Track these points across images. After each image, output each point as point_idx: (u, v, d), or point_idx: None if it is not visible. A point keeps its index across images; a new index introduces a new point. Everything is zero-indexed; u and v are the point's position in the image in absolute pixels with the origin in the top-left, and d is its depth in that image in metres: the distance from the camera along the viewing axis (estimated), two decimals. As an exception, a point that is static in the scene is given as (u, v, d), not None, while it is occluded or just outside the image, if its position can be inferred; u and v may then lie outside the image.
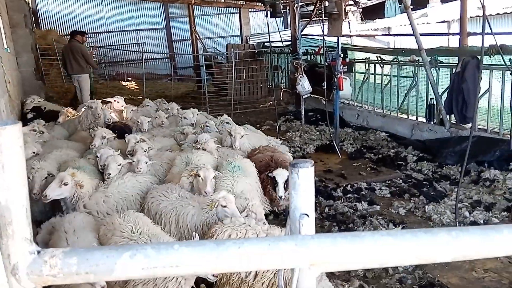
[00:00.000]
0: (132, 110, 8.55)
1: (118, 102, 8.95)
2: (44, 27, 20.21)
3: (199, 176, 4.48)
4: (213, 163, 5.32)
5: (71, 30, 12.49)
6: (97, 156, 5.34)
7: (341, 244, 1.00)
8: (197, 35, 17.22)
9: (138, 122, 7.40)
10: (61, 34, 19.90)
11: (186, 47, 21.97)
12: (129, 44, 21.57)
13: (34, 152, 5.58)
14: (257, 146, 6.20)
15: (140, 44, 20.93)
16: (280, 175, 4.81)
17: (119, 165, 5.03)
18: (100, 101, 8.00)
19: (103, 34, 21.38)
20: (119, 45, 21.72)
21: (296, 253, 0.99)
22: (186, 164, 5.11)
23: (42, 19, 20.55)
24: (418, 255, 1.01)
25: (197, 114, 7.99)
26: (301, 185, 1.22)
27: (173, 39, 22.67)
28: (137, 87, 16.69)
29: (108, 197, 4.52)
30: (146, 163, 5.08)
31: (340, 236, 1.02)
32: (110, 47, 20.17)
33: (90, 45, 19.87)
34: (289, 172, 1.27)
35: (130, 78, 18.31)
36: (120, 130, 6.94)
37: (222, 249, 0.98)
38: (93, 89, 12.41)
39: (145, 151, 5.52)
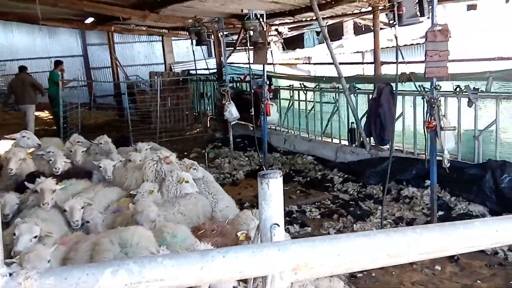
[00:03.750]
0: (83, 152, 6.54)
1: (28, 138, 6.84)
2: None
3: None
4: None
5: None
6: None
7: (320, 246, 1.04)
8: (117, 63, 16.84)
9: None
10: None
11: (106, 75, 21.35)
12: (42, 72, 20.51)
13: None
14: (200, 222, 4.49)
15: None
16: None
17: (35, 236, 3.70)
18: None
19: (14, 62, 20.15)
20: (31, 73, 20.53)
21: (280, 257, 1.01)
22: (121, 247, 3.59)
23: None
24: (390, 253, 1.08)
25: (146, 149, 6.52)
26: (272, 196, 1.24)
27: (91, 66, 21.95)
28: (51, 117, 15.79)
29: None
30: None
31: (318, 240, 1.06)
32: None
33: None
34: (259, 183, 1.29)
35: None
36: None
37: (208, 259, 0.97)
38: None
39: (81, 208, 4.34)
